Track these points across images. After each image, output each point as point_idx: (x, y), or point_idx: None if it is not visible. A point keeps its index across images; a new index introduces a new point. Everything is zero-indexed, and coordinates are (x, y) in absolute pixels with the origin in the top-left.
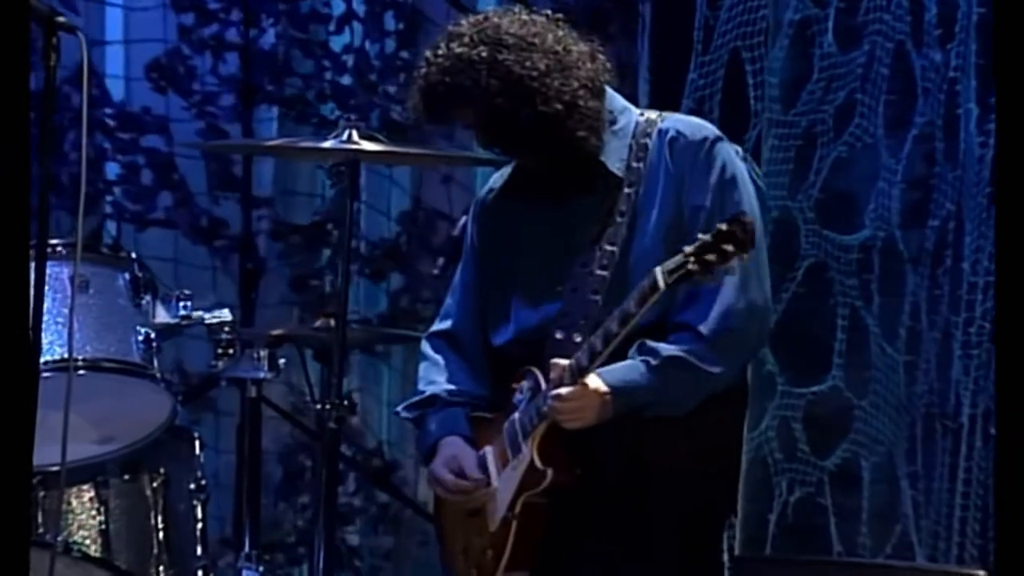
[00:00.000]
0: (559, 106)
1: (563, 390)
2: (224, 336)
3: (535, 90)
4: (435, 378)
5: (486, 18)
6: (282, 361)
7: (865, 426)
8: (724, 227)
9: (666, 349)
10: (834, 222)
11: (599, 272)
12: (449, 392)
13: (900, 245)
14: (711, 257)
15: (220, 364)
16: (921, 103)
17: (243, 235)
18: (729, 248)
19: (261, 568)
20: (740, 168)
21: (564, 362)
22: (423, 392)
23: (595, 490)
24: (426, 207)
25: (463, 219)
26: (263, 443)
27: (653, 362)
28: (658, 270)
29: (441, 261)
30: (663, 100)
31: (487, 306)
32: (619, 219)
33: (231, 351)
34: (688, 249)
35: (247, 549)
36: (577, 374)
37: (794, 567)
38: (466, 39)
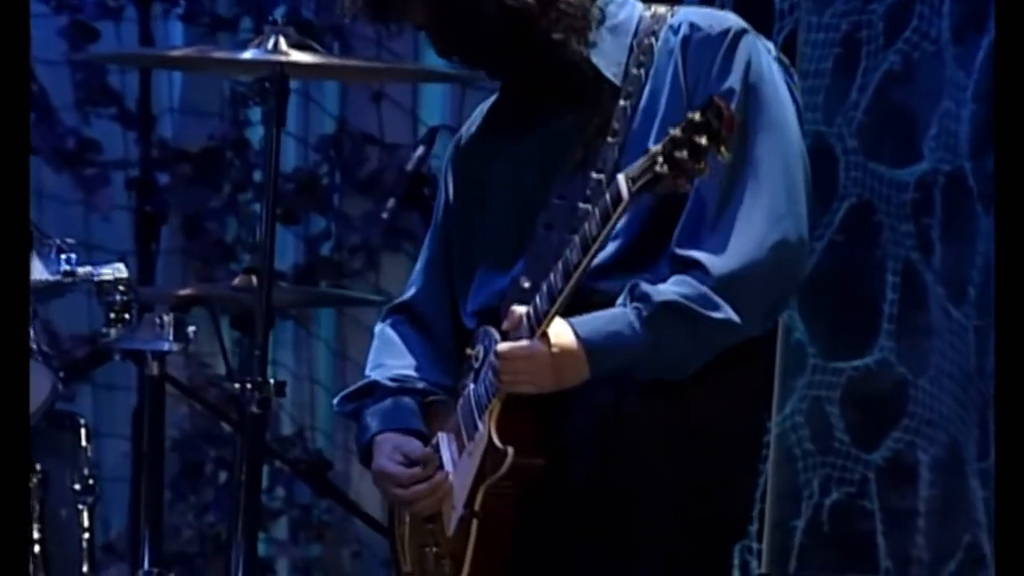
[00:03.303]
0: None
1: (504, 345)
2: (118, 298)
3: None
4: (384, 361)
5: None
6: (191, 329)
7: (923, 409)
8: (696, 116)
9: (662, 293)
10: (883, 152)
11: (581, 206)
12: (396, 379)
13: (970, 180)
14: (682, 154)
15: (112, 333)
16: None
17: (140, 168)
18: (702, 141)
19: None
20: (773, 70)
21: (521, 309)
22: (364, 379)
23: (567, 482)
24: (353, 131)
25: (419, 150)
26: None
27: (644, 310)
28: (621, 176)
29: (392, 204)
30: None
31: (458, 275)
32: (610, 139)
33: (126, 316)
34: (654, 147)
35: (146, 566)
36: (535, 322)
37: None
38: None
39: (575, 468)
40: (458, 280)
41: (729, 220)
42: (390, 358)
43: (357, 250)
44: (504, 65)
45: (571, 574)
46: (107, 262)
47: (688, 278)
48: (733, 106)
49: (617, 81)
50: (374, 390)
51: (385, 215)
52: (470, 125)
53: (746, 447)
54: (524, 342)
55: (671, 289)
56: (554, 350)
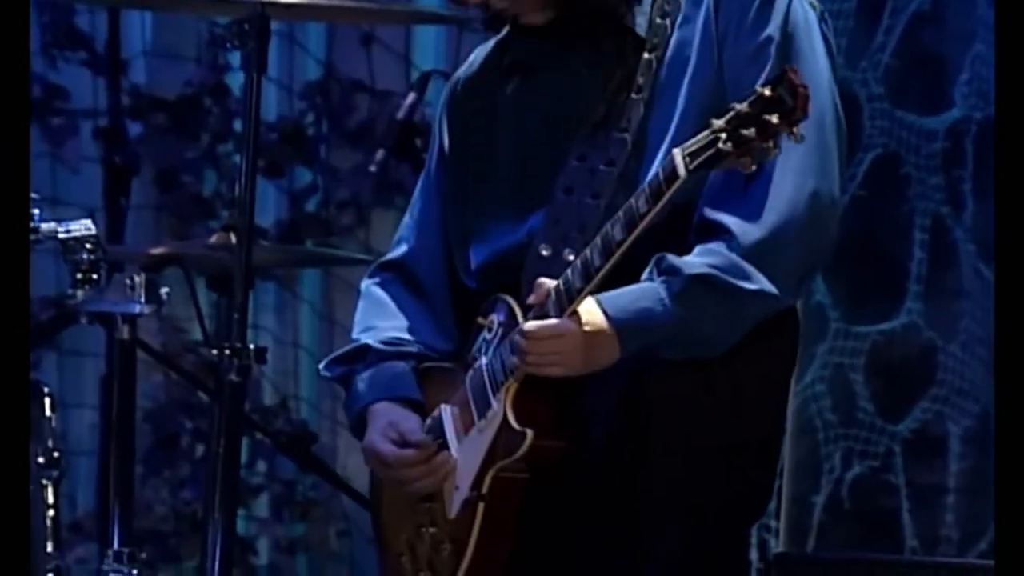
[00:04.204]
0: None
1: (532, 324)
2: (85, 256)
3: None
4: (375, 323)
5: None
6: (164, 291)
7: (953, 377)
8: (767, 91)
9: (692, 265)
10: (911, 99)
11: (603, 168)
12: (388, 341)
13: None
14: (749, 132)
15: (79, 294)
16: None
17: (110, 117)
18: (773, 119)
19: (135, 571)
20: (810, 19)
21: (550, 283)
22: (354, 341)
23: (584, 464)
24: (340, 76)
25: (410, 97)
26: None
27: (674, 285)
28: (677, 152)
29: (380, 155)
30: None
31: (456, 229)
32: (635, 96)
33: (94, 277)
34: (718, 122)
35: (116, 545)
36: (566, 300)
37: (849, 569)
38: None
39: (593, 443)
40: (455, 236)
41: (759, 182)
42: (381, 319)
43: (345, 205)
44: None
45: (585, 556)
46: (74, 218)
47: (717, 246)
48: (770, 61)
49: (641, 32)
50: (365, 354)
51: (375, 167)
52: (468, 68)
53: (774, 419)
54: (552, 321)
55: (700, 260)
56: (585, 329)
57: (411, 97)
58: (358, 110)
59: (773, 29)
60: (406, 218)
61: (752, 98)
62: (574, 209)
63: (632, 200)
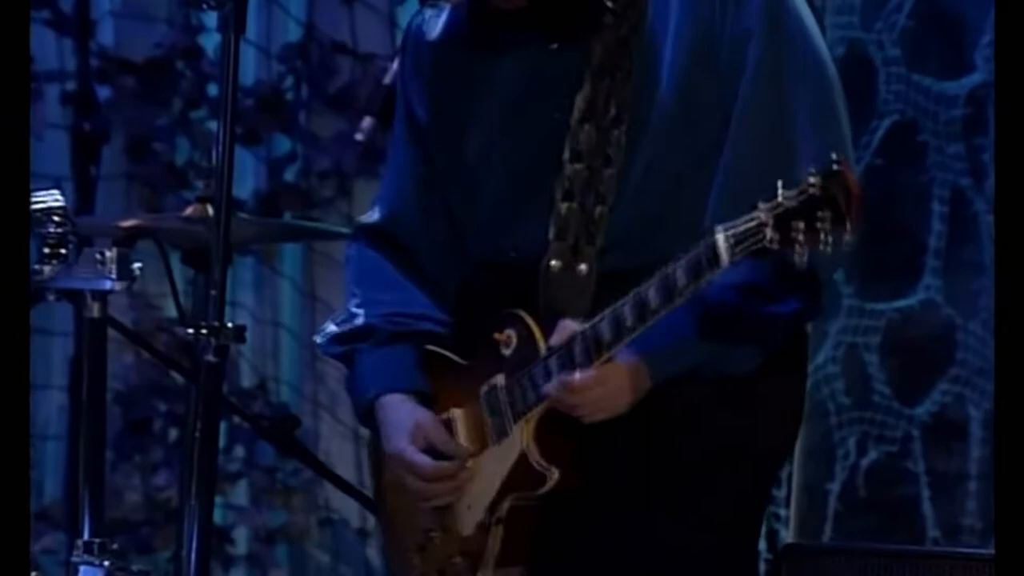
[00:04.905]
0: None
1: (576, 378)
2: (52, 230)
3: None
4: (374, 294)
5: None
6: (137, 266)
7: (974, 357)
8: (816, 183)
9: (716, 287)
10: (929, 62)
11: (602, 169)
12: (393, 320)
13: None
14: (797, 231)
15: (46, 270)
16: None
17: (77, 81)
18: (826, 217)
19: (106, 563)
20: None
21: (574, 326)
22: (354, 316)
23: (607, 486)
24: (322, 38)
25: (397, 61)
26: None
27: (699, 307)
28: (720, 235)
29: (367, 123)
30: None
31: (457, 204)
32: (618, 77)
33: (62, 251)
34: (763, 212)
35: (86, 536)
36: (595, 351)
37: (865, 561)
38: None
39: (611, 457)
40: (460, 214)
41: (771, 188)
42: (379, 291)
43: (326, 175)
44: None
45: (597, 553)
46: (40, 189)
47: (739, 267)
48: (759, 46)
49: (615, 5)
50: (369, 334)
51: (359, 136)
52: (433, 26)
53: (790, 400)
54: (592, 372)
55: (726, 281)
56: (626, 372)
57: (398, 61)
58: (340, 74)
59: (755, 20)
60: (382, 182)
61: (801, 195)
62: (578, 218)
63: (669, 268)
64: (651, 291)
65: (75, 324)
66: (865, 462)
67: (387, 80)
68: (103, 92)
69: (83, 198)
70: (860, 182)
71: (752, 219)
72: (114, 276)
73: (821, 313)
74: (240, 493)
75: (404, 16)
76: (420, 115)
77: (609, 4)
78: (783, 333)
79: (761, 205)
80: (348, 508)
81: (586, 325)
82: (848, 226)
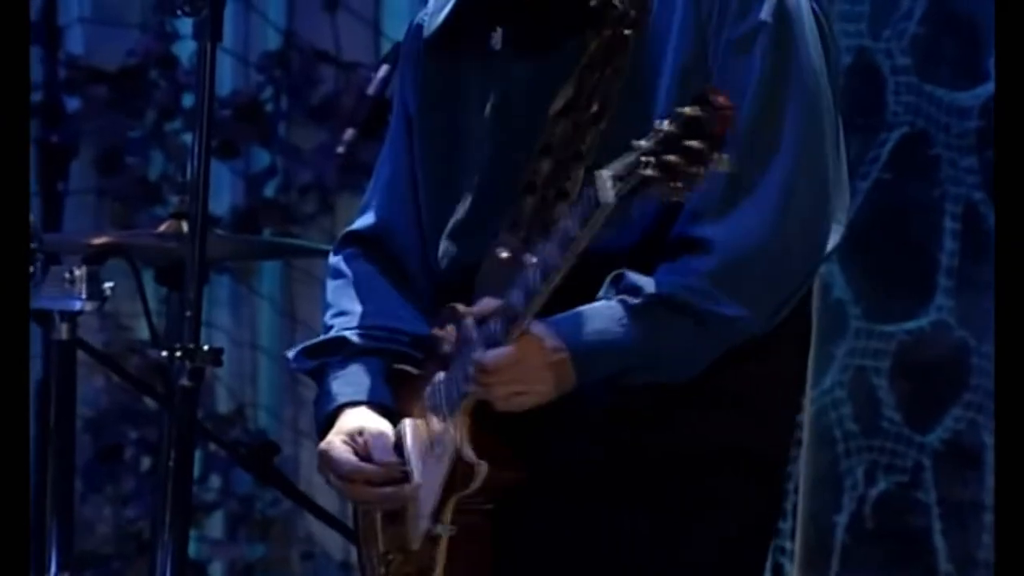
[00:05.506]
0: None
1: (488, 355)
2: None
3: None
4: (349, 306)
5: None
6: (108, 286)
7: (988, 381)
8: (687, 111)
9: (655, 284)
10: (941, 72)
11: (570, 162)
12: (365, 333)
13: None
14: (672, 158)
15: None
16: None
17: (45, 91)
18: (695, 145)
19: None
20: (801, 2)
21: (493, 301)
22: (327, 328)
23: (559, 493)
24: (302, 46)
25: (382, 70)
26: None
27: (634, 303)
28: (605, 175)
29: (350, 135)
30: None
31: (428, 206)
32: (608, 76)
33: (29, 270)
34: (642, 144)
35: (54, 570)
36: (510, 323)
37: None
38: None
39: (575, 460)
40: (428, 212)
41: (734, 193)
42: (356, 303)
43: (308, 190)
44: None
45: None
46: None
47: (685, 263)
48: (759, 48)
49: (620, 3)
50: (341, 347)
51: (342, 148)
52: (435, 14)
53: (778, 437)
54: (506, 349)
55: (665, 279)
56: (543, 352)
57: (383, 70)
58: (322, 83)
59: (766, 13)
60: (371, 183)
61: (675, 117)
62: (536, 209)
63: (564, 220)
64: (551, 247)
65: (42, 346)
66: (874, 492)
67: (371, 91)
68: (72, 103)
69: (51, 214)
70: (733, 113)
71: (631, 154)
72: (84, 296)
73: (769, 327)
74: (216, 525)
75: (390, 23)
76: (413, 113)
77: (614, 1)
78: (719, 338)
79: (639, 142)
80: (330, 540)
81: (502, 301)
82: (720, 148)
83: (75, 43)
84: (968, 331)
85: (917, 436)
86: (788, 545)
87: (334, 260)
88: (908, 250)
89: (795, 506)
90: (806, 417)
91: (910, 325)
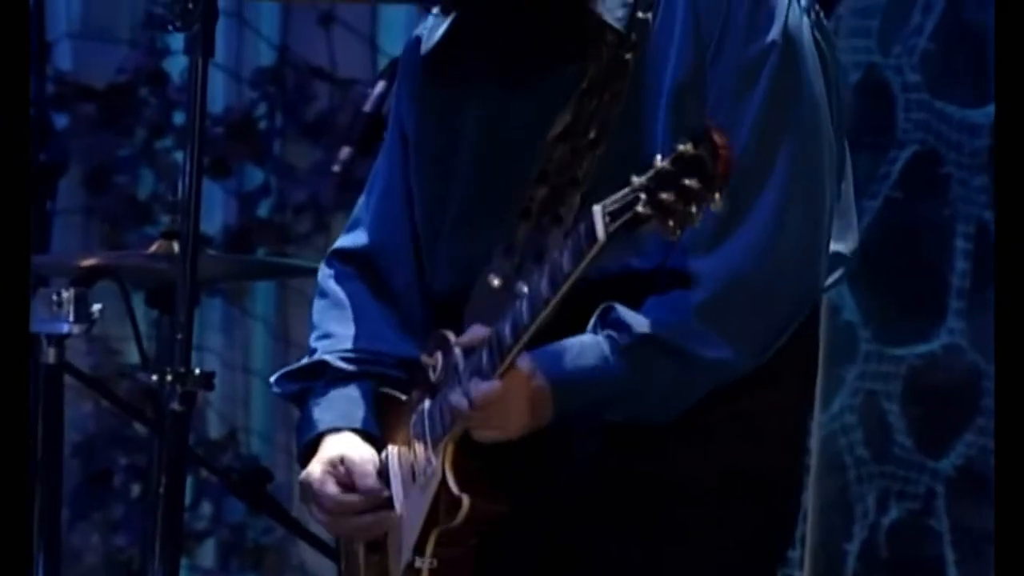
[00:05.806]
0: None
1: (474, 391)
2: None
3: None
4: (334, 329)
5: None
6: (96, 308)
7: None
8: (686, 148)
9: (641, 323)
10: (952, 88)
11: (567, 188)
12: (349, 357)
13: None
14: (667, 196)
15: None
16: None
17: (33, 108)
18: (692, 184)
19: None
20: (803, 25)
21: (483, 330)
22: (311, 351)
23: (548, 520)
24: (297, 62)
25: (378, 86)
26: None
27: (620, 341)
28: (598, 210)
29: (346, 153)
30: None
31: (424, 229)
32: (606, 101)
33: None
34: (637, 180)
35: None
36: (498, 357)
37: None
38: None
39: (569, 487)
40: (424, 229)
41: (726, 224)
42: (341, 325)
43: (302, 209)
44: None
45: None
46: None
47: (672, 298)
48: (767, 71)
49: (620, 27)
50: (323, 371)
51: (337, 167)
52: (433, 30)
53: (782, 472)
54: (497, 384)
55: (652, 318)
56: (528, 390)
57: (379, 86)
58: (317, 100)
59: (776, 33)
60: (363, 198)
61: (673, 156)
62: (531, 236)
63: (555, 253)
64: (542, 282)
65: (31, 372)
66: (886, 520)
67: (367, 108)
68: (60, 120)
69: (38, 234)
70: (731, 148)
71: (626, 189)
72: (71, 318)
73: (758, 363)
74: (207, 553)
75: (386, 39)
76: (410, 129)
77: (612, 24)
78: (704, 379)
79: (635, 178)
80: (324, 569)
81: (491, 330)
82: (718, 190)
83: (63, 59)
84: (980, 354)
85: (929, 462)
86: (797, 574)
87: (321, 278)
88: (919, 271)
89: (804, 534)
90: (815, 442)
91: (921, 348)
